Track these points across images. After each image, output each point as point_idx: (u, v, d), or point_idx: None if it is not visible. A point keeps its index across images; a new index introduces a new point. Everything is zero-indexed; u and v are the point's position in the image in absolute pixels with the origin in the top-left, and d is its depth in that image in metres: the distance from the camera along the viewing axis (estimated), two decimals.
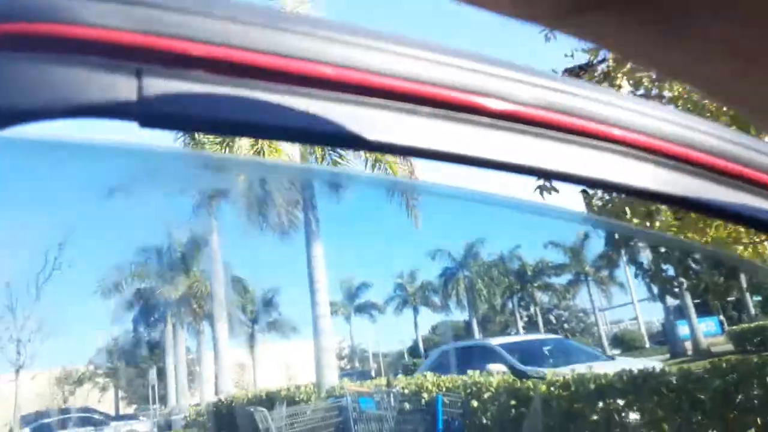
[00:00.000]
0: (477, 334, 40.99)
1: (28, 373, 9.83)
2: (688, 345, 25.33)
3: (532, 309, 43.55)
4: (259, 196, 10.82)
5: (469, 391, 5.76)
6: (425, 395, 6.14)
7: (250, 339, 37.29)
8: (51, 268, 9.07)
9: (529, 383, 4.93)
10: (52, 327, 9.27)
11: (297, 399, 8.41)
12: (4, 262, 8.85)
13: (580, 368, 4.78)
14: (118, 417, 22.78)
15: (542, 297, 44.90)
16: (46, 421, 17.05)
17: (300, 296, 10.29)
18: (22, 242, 9.24)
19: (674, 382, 3.49)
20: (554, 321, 45.88)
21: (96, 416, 18.85)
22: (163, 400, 23.58)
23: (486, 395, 5.42)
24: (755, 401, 2.97)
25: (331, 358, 9.67)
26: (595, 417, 4.11)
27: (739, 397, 3.08)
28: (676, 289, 5.99)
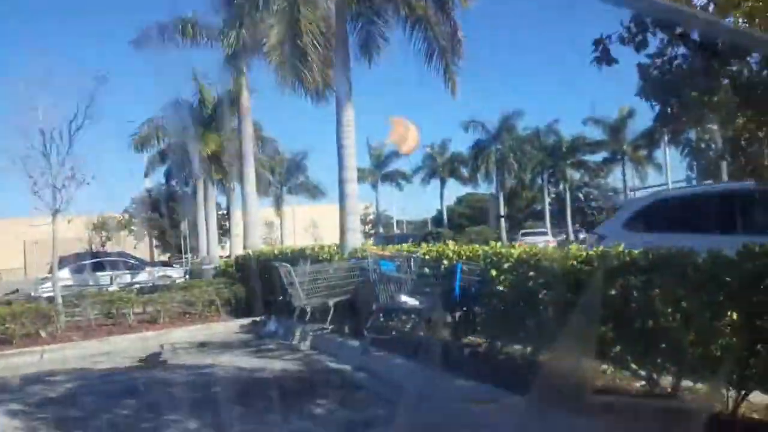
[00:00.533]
0: (501, 208, 41.19)
1: (65, 217, 10.25)
2: None
3: (561, 186, 43.33)
4: (291, 53, 10.38)
5: (489, 260, 5.82)
6: (445, 262, 6.24)
7: (277, 199, 38.22)
8: (83, 117, 9.09)
9: (555, 255, 4.92)
10: (86, 175, 9.50)
11: (321, 258, 8.71)
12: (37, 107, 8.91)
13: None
14: (153, 263, 24.30)
15: (573, 174, 44.42)
16: (84, 262, 18.23)
17: (328, 161, 10.27)
18: (54, 89, 9.21)
19: (701, 262, 3.40)
20: (582, 198, 45.76)
21: (131, 261, 20.08)
22: (195, 251, 24.88)
23: (506, 265, 5.46)
24: None
25: (355, 222, 9.82)
26: (613, 292, 4.10)
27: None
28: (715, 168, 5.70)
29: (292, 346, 7.33)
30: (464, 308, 6.10)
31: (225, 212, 27.17)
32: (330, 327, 7.26)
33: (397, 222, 52.29)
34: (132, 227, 32.80)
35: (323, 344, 7.10)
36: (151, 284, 14.94)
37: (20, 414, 5.00)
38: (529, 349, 5.27)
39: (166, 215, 31.58)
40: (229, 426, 4.38)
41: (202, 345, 8.04)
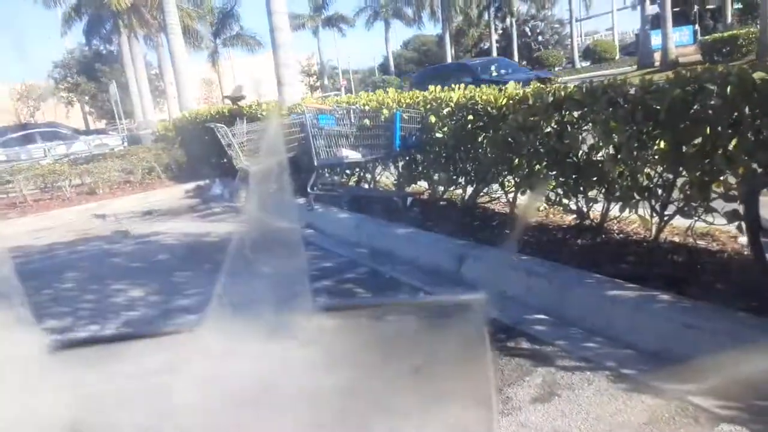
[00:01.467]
0: (449, 49, 40.05)
1: None
2: (658, 56, 25.41)
3: (508, 20, 42.07)
4: None
5: (428, 106, 5.68)
6: (385, 111, 6.07)
7: (213, 54, 36.06)
8: None
9: (490, 97, 4.81)
10: None
11: (259, 116, 8.36)
12: None
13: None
14: (88, 132, 23.12)
15: (521, 6, 42.94)
16: (13, 135, 17.20)
17: (262, 8, 9.41)
18: None
19: (632, 92, 3.35)
20: (529, 33, 44.82)
21: (64, 131, 19.03)
22: (130, 115, 23.65)
23: (445, 110, 5.34)
24: (709, 111, 2.87)
25: (292, 75, 9.33)
26: (548, 130, 4.08)
27: (695, 107, 2.97)
28: None
29: (238, 209, 7.28)
30: (406, 157, 6.06)
31: (158, 71, 25.53)
32: None
33: (343, 72, 50.54)
34: (59, 93, 30.71)
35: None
36: (88, 154, 14.32)
37: None
38: (468, 192, 5.35)
39: (94, 78, 29.52)
40: (177, 290, 4.41)
41: (148, 213, 7.91)
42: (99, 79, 29.09)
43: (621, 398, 2.29)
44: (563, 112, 3.97)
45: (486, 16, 41.28)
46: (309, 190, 6.13)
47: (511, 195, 4.89)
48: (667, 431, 2.06)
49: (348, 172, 7.12)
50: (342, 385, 1.07)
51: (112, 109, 28.44)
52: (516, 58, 38.98)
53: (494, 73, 18.33)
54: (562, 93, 3.96)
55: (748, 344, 2.27)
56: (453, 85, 5.58)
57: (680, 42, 27.99)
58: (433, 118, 5.47)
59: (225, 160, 8.11)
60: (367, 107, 6.48)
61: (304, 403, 1.08)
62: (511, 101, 4.55)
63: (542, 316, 3.06)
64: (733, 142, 2.78)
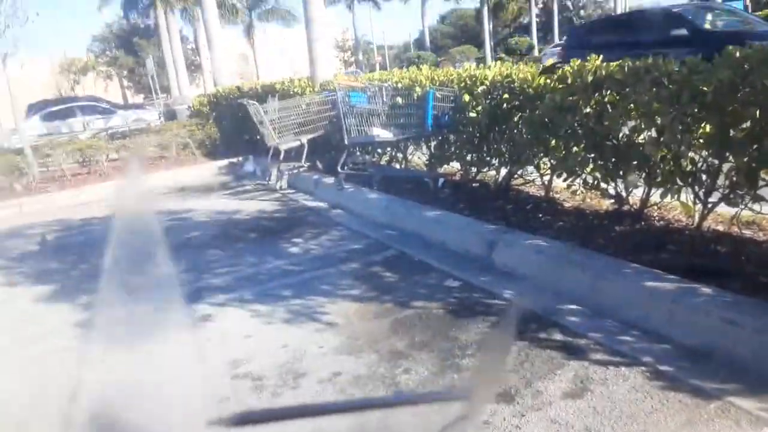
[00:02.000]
0: (486, 24, 39.19)
1: (17, 62, 9.64)
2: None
3: None
4: None
5: (463, 84, 5.53)
6: (418, 89, 5.94)
7: (248, 28, 36.06)
8: None
9: (527, 75, 4.64)
10: (28, 11, 8.70)
11: (292, 92, 8.32)
12: None
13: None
14: (126, 106, 23.49)
15: None
16: (53, 109, 17.57)
17: None
18: None
19: (678, 72, 3.16)
20: (571, 6, 43.41)
21: (103, 105, 19.34)
22: (167, 90, 23.88)
23: (480, 89, 5.19)
24: (760, 95, 2.68)
25: (325, 50, 9.21)
26: (587, 110, 3.92)
27: (746, 89, 2.78)
28: None
29: (269, 186, 7.29)
30: (439, 137, 5.94)
31: (194, 45, 25.69)
32: (306, 165, 7.15)
33: (378, 47, 50.04)
34: (98, 68, 31.23)
35: (299, 183, 7.06)
36: (125, 129, 14.55)
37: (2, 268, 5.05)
38: (502, 174, 5.22)
39: (132, 52, 29.91)
40: (207, 266, 4.44)
41: (182, 189, 7.99)
42: (137, 53, 29.46)
43: (657, 396, 2.19)
44: (603, 92, 3.80)
45: None
46: (339, 169, 6.08)
47: (546, 178, 4.74)
48: None
49: (379, 151, 7.03)
50: None
51: (149, 83, 28.85)
52: (556, 34, 37.94)
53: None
54: (603, 72, 3.78)
55: None
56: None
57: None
58: (467, 97, 5.32)
59: (258, 137, 8.09)
60: (399, 85, 6.36)
61: None
62: (549, 80, 4.38)
63: (576, 307, 2.95)
64: None
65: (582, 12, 41.77)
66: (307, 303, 3.55)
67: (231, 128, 10.15)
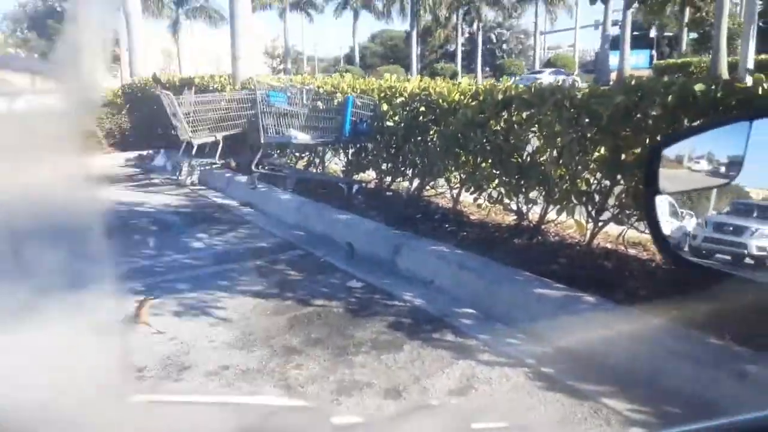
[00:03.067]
0: (414, 47, 40.07)
1: None
2: (614, 76, 26.15)
3: (475, 25, 42.46)
4: None
5: (382, 94, 5.60)
6: (339, 95, 5.95)
7: (174, 24, 34.91)
8: None
9: (444, 90, 4.76)
10: None
11: (211, 88, 8.10)
12: None
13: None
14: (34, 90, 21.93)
15: (488, 13, 43.40)
16: None
17: None
18: None
19: (579, 97, 3.36)
20: (494, 40, 45.34)
21: (5, 87, 17.91)
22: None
23: (398, 100, 5.28)
24: (650, 121, 2.89)
25: (248, 48, 9.04)
26: (496, 128, 4.07)
27: (637, 115, 3.00)
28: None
29: (179, 181, 7.01)
30: (356, 144, 5.96)
31: (113, 35, 24.49)
32: (219, 162, 6.95)
33: (308, 58, 49.93)
34: (6, 48, 29.12)
35: (211, 180, 6.84)
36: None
37: None
38: (415, 185, 5.31)
39: (45, 35, 28.11)
40: (98, 260, 4.18)
41: None
42: (51, 36, 27.72)
43: (537, 396, 2.27)
44: (512, 111, 3.97)
45: (454, 19, 41.55)
46: (253, 168, 5.95)
47: (456, 191, 4.87)
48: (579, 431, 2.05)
49: (297, 154, 6.96)
50: None
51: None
52: (479, 63, 39.43)
53: None
54: (512, 92, 3.95)
55: (666, 351, 2.29)
56: None
57: (636, 65, 28.99)
58: (385, 106, 5.39)
59: (173, 131, 7.79)
60: (321, 89, 6.35)
61: None
62: (463, 96, 4.52)
63: (470, 310, 3.02)
64: None
65: (504, 46, 43.74)
66: (203, 297, 3.41)
67: (144, 120, 9.72)
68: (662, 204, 0.78)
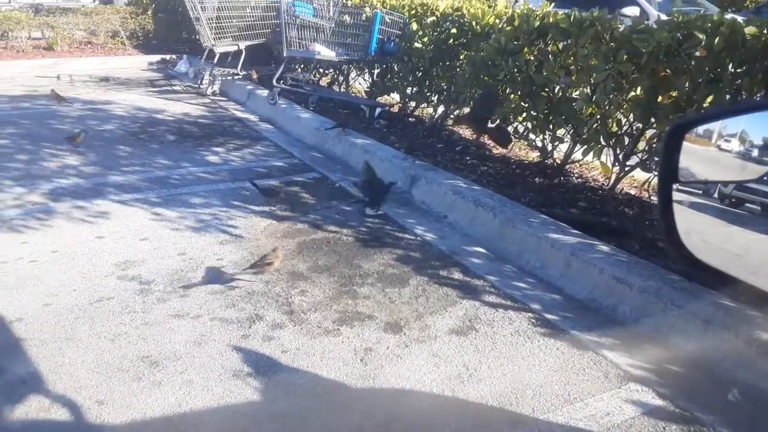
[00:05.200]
0: None
1: None
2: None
3: None
4: None
5: (413, 12, 5.31)
6: (367, 10, 5.66)
7: None
8: None
9: (478, 12, 4.48)
10: None
11: None
12: None
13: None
14: None
15: None
16: None
17: None
18: None
19: (621, 29, 3.12)
20: None
21: None
22: None
23: (429, 19, 5.00)
24: (693, 62, 2.68)
25: None
26: (529, 58, 3.85)
27: (681, 55, 2.78)
28: None
29: (199, 90, 6.89)
30: (382, 65, 5.73)
31: None
32: (241, 73, 6.77)
33: None
34: None
35: (232, 91, 6.71)
36: (54, 5, 13.31)
37: None
38: (439, 112, 5.13)
39: None
40: (115, 163, 4.18)
41: (104, 80, 7.43)
42: None
43: (537, 342, 2.25)
44: (547, 40, 3.73)
45: None
46: (275, 83, 5.79)
47: (482, 122, 4.69)
48: (575, 382, 2.03)
49: (321, 70, 6.75)
50: None
51: None
52: None
53: None
54: (550, 19, 3.69)
55: (673, 307, 2.23)
56: None
57: None
58: (415, 26, 5.13)
59: (196, 36, 7.57)
60: (349, 2, 6.05)
61: None
62: (498, 20, 4.26)
63: (480, 249, 2.97)
64: (709, 99, 2.62)
65: None
66: (216, 213, 3.41)
67: (169, 23, 9.45)
68: (680, 197, 0.68)
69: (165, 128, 5.27)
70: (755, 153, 0.64)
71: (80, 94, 6.52)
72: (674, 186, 0.68)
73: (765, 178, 0.62)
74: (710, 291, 2.25)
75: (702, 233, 0.68)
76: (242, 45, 6.63)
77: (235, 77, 6.75)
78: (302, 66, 6.68)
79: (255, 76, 6.75)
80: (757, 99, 2.38)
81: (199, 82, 7.00)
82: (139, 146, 4.68)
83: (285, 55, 5.65)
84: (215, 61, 6.76)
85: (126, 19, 9.58)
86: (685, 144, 0.67)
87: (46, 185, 3.75)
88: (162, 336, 2.22)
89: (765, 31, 2.45)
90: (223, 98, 6.64)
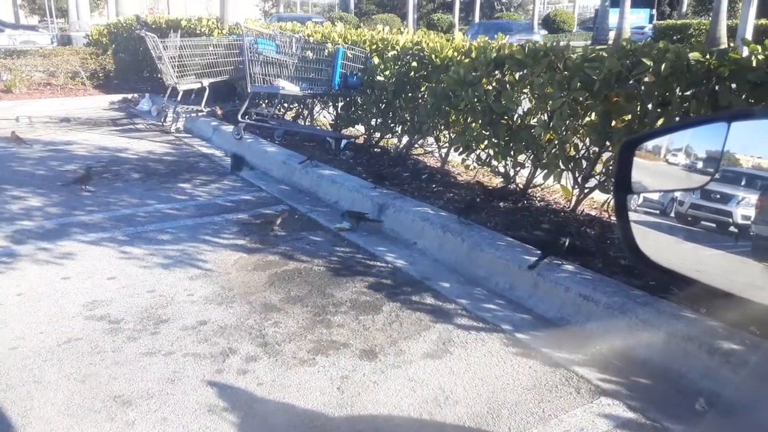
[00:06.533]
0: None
1: None
2: (612, 34, 25.74)
3: None
4: None
5: (374, 47, 5.46)
6: (330, 46, 5.79)
7: None
8: None
9: (437, 45, 4.63)
10: None
11: (198, 31, 7.86)
12: None
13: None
14: (16, 26, 21.27)
15: None
16: None
17: None
18: None
19: (573, 58, 3.27)
20: None
21: None
22: (66, 15, 21.81)
23: (390, 53, 5.14)
24: (642, 87, 2.83)
25: None
26: (489, 87, 3.98)
27: (630, 82, 2.93)
28: None
29: (163, 128, 6.87)
30: (346, 98, 5.84)
31: None
32: (205, 110, 6.79)
33: (301, 3, 48.48)
34: None
35: (197, 128, 6.71)
36: (11, 48, 13.14)
37: None
38: (404, 142, 5.23)
39: None
40: (79, 203, 4.12)
41: (65, 120, 7.35)
42: None
43: (510, 362, 2.29)
44: (504, 71, 3.88)
45: None
46: (240, 117, 5.83)
47: (444, 150, 4.81)
48: (548, 399, 2.08)
49: (285, 105, 6.83)
50: None
51: (45, 4, 26.21)
52: (477, 15, 38.51)
53: None
54: (505, 51, 3.85)
55: (638, 321, 2.31)
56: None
57: (635, 25, 28.47)
58: (376, 59, 5.26)
59: (158, 75, 7.58)
60: (311, 38, 6.17)
61: None
62: (456, 53, 4.41)
63: (450, 273, 3.03)
64: (660, 121, 2.77)
65: None
66: (185, 249, 3.39)
67: (129, 62, 9.45)
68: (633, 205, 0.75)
69: (129, 166, 5.23)
70: (699, 165, 0.71)
71: (41, 136, 6.43)
72: (628, 197, 0.75)
73: (706, 187, 0.69)
74: (672, 304, 2.35)
75: (656, 239, 0.75)
76: (206, 82, 6.68)
77: (200, 114, 6.77)
78: (267, 101, 6.75)
79: (219, 112, 6.78)
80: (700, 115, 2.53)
81: (162, 119, 6.98)
82: (103, 185, 4.62)
83: (249, 90, 5.71)
84: (179, 98, 6.77)
85: (86, 60, 9.53)
86: (636, 159, 0.74)
87: (8, 227, 3.67)
88: (134, 375, 2.19)
89: (707, 57, 2.61)
90: (188, 135, 6.63)
